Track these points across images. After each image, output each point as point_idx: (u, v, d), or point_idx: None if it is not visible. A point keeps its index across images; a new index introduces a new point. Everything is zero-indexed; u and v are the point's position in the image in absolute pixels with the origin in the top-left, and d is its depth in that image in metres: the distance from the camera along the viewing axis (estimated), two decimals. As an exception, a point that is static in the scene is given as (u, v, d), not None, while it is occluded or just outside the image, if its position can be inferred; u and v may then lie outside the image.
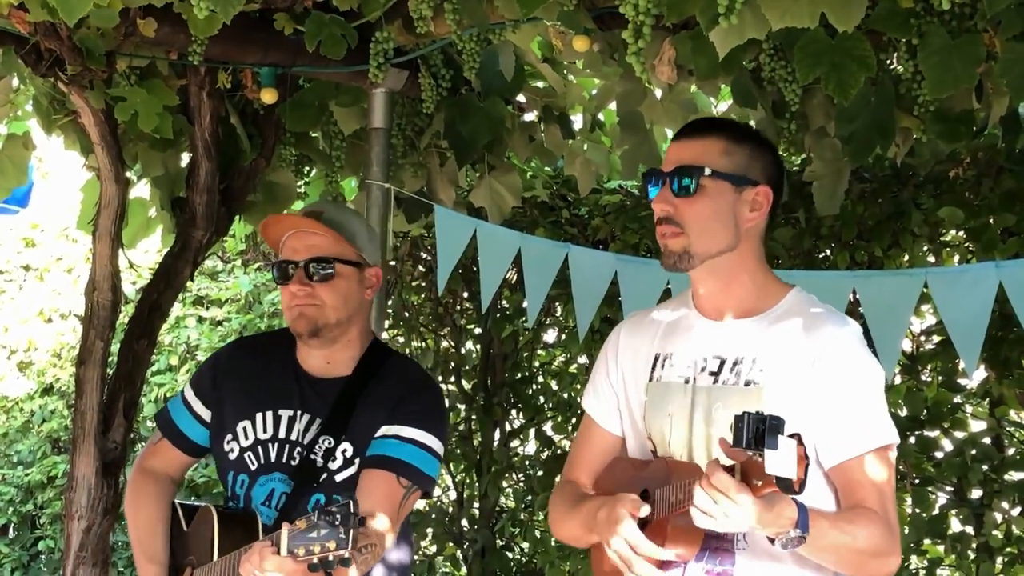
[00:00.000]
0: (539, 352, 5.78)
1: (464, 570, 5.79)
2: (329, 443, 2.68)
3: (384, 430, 2.67)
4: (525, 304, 4.37)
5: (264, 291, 7.30)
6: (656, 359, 2.39)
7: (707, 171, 2.26)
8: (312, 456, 2.68)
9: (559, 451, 5.58)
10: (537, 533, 5.57)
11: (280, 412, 2.75)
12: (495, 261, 3.84)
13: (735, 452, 1.97)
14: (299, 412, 2.74)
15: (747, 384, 2.24)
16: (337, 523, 2.19)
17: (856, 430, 2.20)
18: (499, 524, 5.64)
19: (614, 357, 2.50)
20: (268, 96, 3.73)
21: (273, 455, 2.72)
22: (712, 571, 2.23)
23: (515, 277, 5.21)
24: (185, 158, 4.09)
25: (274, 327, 7.14)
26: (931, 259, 4.39)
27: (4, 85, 3.86)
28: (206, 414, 2.87)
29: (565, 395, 5.58)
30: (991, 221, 4.11)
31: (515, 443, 5.76)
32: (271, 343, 2.94)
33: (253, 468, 2.73)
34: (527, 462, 5.73)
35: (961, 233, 4.34)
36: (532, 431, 5.72)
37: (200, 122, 3.81)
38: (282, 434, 2.73)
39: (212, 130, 3.83)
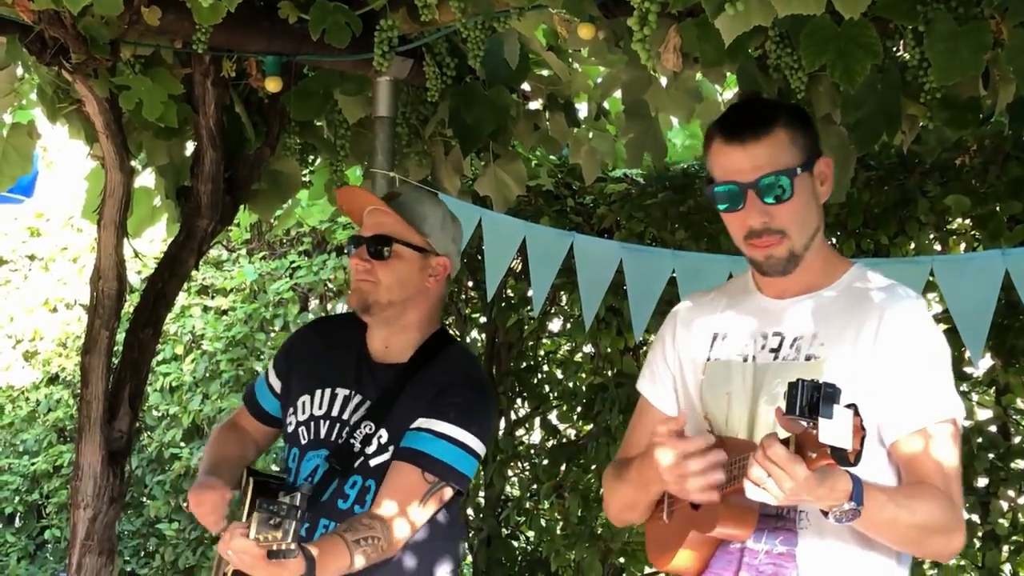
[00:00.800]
0: (544, 341, 5.77)
1: (469, 558, 5.80)
2: (370, 428, 2.70)
3: (420, 422, 2.66)
4: (530, 293, 4.38)
5: (269, 280, 7.30)
6: (714, 338, 2.36)
7: (798, 171, 2.19)
8: (352, 440, 2.70)
9: (564, 440, 5.59)
10: (542, 522, 5.58)
11: (338, 391, 2.79)
12: (500, 250, 3.84)
13: (789, 422, 1.93)
14: (353, 392, 2.77)
15: (808, 359, 2.20)
16: (283, 514, 2.24)
17: (916, 403, 2.14)
18: (504, 513, 5.65)
19: (671, 337, 2.45)
20: (272, 85, 3.73)
21: (323, 432, 2.75)
22: (773, 551, 2.18)
23: (520, 266, 5.21)
24: (190, 147, 4.10)
25: (279, 316, 7.15)
26: (937, 247, 4.39)
27: (8, 74, 3.86)
28: (278, 386, 2.93)
29: (570, 384, 5.57)
30: (997, 209, 4.11)
31: (520, 432, 5.76)
32: (345, 324, 2.93)
33: (303, 443, 2.78)
34: (532, 451, 5.73)
35: (967, 221, 4.34)
36: (537, 420, 5.71)
37: (205, 111, 3.81)
38: (335, 412, 2.76)
39: (217, 119, 3.83)
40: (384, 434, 2.69)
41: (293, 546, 2.25)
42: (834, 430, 1.85)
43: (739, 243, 2.27)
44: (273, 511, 2.24)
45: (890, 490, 2.11)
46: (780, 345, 2.25)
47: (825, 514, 2.02)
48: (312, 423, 2.78)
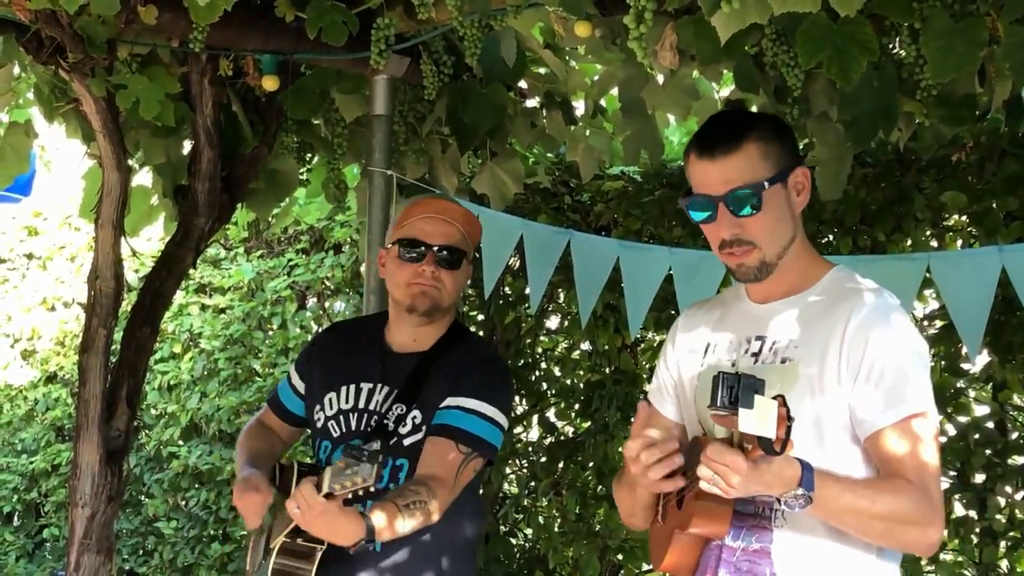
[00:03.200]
0: (542, 338, 5.77)
1: (468, 556, 5.79)
2: (401, 410, 2.87)
3: (448, 401, 2.83)
4: (527, 290, 4.38)
5: (267, 278, 7.29)
6: (707, 347, 2.42)
7: (766, 185, 2.23)
8: (385, 422, 2.87)
9: (562, 437, 5.59)
10: (540, 519, 5.58)
11: (362, 385, 2.95)
12: (497, 247, 3.84)
13: (719, 417, 1.98)
14: (379, 384, 2.93)
15: (783, 361, 2.25)
16: (364, 459, 2.43)
17: (885, 401, 2.16)
18: (502, 510, 5.65)
19: (672, 346, 2.52)
20: (270, 83, 3.73)
21: (353, 424, 2.91)
22: (749, 548, 2.22)
23: (517, 263, 5.21)
24: (187, 146, 4.09)
25: (277, 314, 7.14)
26: (934, 243, 4.39)
27: (5, 73, 3.86)
28: (302, 387, 3.10)
29: (568, 381, 5.57)
30: (994, 205, 4.11)
31: (518, 429, 5.75)
32: (363, 324, 3.30)
33: (335, 435, 2.93)
34: (530, 448, 5.73)
35: (964, 217, 4.34)
36: (535, 417, 5.72)
37: (202, 109, 3.81)
38: (362, 404, 2.92)
39: (214, 117, 3.83)
40: (418, 415, 2.86)
41: (372, 487, 2.43)
42: (755, 419, 1.90)
43: (715, 252, 2.33)
44: (356, 456, 2.43)
45: (848, 480, 2.15)
46: (761, 349, 2.30)
47: (778, 501, 2.07)
48: (341, 416, 2.93)
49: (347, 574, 2.75)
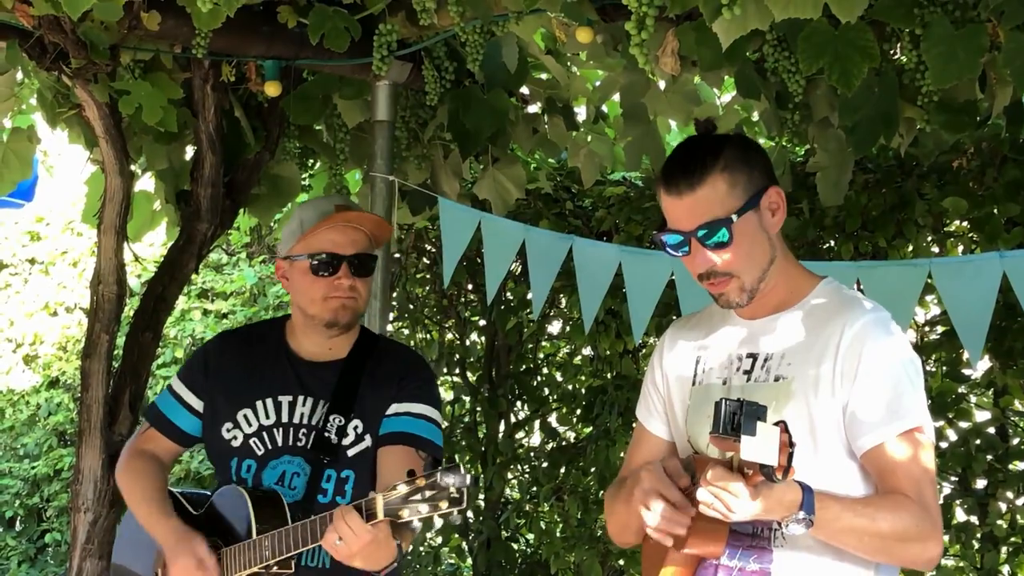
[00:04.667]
0: (544, 344, 5.79)
1: (469, 561, 5.81)
2: (340, 421, 2.79)
3: (395, 408, 2.79)
4: (530, 296, 4.38)
5: (269, 284, 7.31)
6: (697, 362, 2.40)
7: (734, 218, 2.20)
8: (326, 435, 2.78)
9: (564, 442, 5.59)
10: (542, 524, 5.59)
11: (280, 398, 2.85)
12: (499, 253, 3.85)
13: (720, 442, 1.96)
14: (300, 396, 2.84)
15: (777, 379, 2.23)
16: (457, 483, 2.28)
17: (880, 415, 2.15)
18: (504, 515, 5.65)
19: (659, 362, 2.50)
20: (272, 89, 3.74)
21: (280, 439, 2.81)
22: (746, 568, 2.21)
23: (519, 269, 5.22)
24: (189, 151, 4.10)
25: (279, 319, 7.16)
26: (935, 249, 4.39)
27: (9, 79, 3.87)
28: (198, 404, 2.93)
29: (570, 387, 5.58)
30: (995, 211, 4.11)
31: (520, 435, 5.77)
32: (258, 333, 3.06)
33: (260, 453, 2.82)
34: (532, 453, 5.74)
35: (965, 223, 4.35)
36: (537, 423, 5.72)
37: (204, 115, 3.82)
38: (285, 419, 2.83)
39: (216, 123, 3.84)
40: (359, 424, 2.79)
41: (460, 508, 2.30)
42: (757, 447, 1.88)
43: (696, 281, 2.31)
44: (435, 483, 2.28)
45: (848, 500, 2.14)
46: (752, 367, 2.29)
47: (779, 524, 2.05)
48: (264, 433, 2.82)
49: None
